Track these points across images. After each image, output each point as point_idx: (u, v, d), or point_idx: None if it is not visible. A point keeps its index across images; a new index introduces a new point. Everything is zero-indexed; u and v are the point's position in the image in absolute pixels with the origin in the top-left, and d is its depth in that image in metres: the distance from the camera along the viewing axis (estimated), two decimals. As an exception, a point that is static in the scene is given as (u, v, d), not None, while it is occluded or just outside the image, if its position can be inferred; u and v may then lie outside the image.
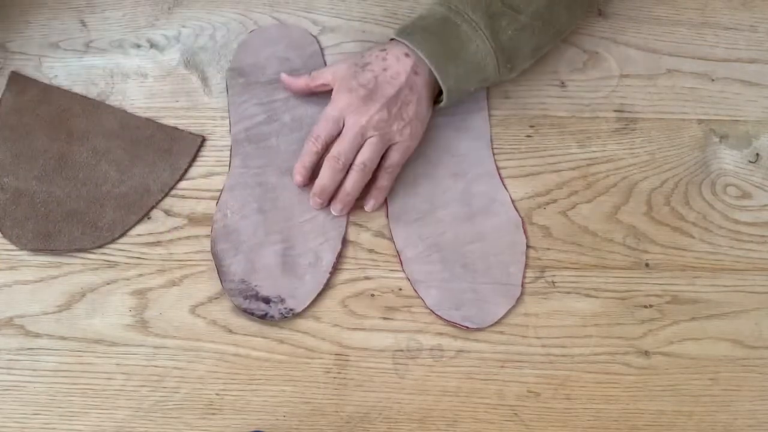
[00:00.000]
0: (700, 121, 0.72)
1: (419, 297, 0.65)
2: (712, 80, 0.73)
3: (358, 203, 0.67)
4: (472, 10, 0.64)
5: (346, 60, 0.67)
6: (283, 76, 0.69)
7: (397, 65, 0.65)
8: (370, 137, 0.64)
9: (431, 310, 0.65)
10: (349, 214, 0.68)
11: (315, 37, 0.73)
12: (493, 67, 0.65)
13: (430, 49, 0.64)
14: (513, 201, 0.68)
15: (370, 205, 0.67)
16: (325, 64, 0.72)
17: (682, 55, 0.74)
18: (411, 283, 0.65)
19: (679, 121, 0.72)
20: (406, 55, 0.65)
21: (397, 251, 0.66)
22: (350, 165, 0.65)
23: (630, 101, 0.72)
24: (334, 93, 0.66)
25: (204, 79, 0.72)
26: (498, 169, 0.69)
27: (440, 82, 0.65)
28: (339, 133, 0.65)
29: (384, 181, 0.66)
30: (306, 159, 0.66)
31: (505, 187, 0.68)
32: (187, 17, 0.74)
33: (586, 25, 0.75)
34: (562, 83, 0.73)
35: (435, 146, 0.69)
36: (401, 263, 0.66)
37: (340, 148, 0.64)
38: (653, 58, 0.74)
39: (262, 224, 0.66)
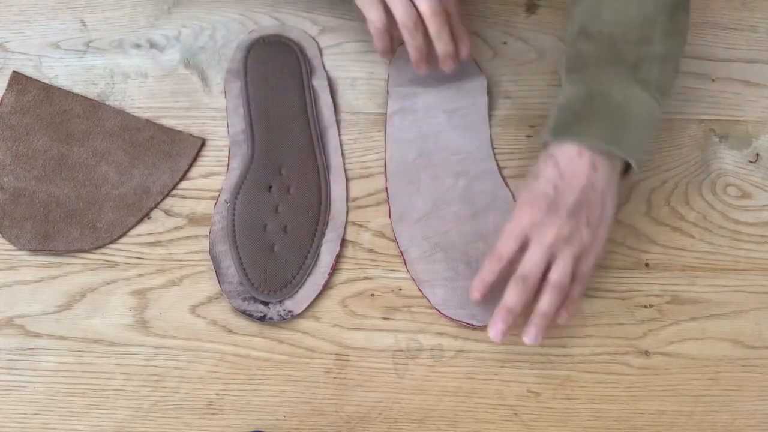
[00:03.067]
0: (700, 121, 0.72)
1: (424, 296, 0.65)
2: (712, 80, 0.73)
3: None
4: (613, 72, 0.61)
5: (538, 203, 0.60)
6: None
7: (572, 167, 0.60)
8: (560, 253, 0.59)
9: (437, 309, 0.64)
10: (348, 214, 0.68)
11: (314, 38, 0.73)
12: (657, 109, 0.62)
13: (601, 134, 0.60)
14: (515, 198, 0.68)
15: (564, 317, 0.61)
16: (324, 66, 0.72)
17: (682, 55, 0.74)
18: (416, 283, 0.65)
19: (679, 121, 0.72)
20: (579, 153, 0.60)
21: (401, 251, 0.66)
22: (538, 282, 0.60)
23: (630, 101, 0.72)
24: (515, 210, 0.61)
25: (204, 79, 0.72)
26: (499, 167, 0.69)
27: (629, 160, 0.60)
28: (521, 249, 0.60)
29: (576, 291, 0.61)
30: (487, 276, 0.60)
31: (507, 185, 0.68)
32: (187, 17, 0.74)
33: (586, 25, 0.75)
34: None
35: (436, 146, 0.69)
36: (405, 263, 0.66)
37: (527, 268, 0.59)
38: (653, 58, 0.74)
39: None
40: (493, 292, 0.61)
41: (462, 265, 0.66)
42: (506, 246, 0.60)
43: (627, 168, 0.63)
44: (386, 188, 0.68)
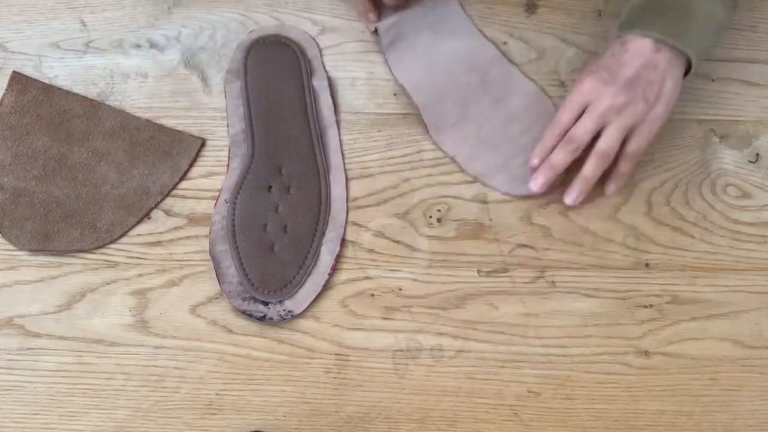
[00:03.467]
0: (700, 121, 0.72)
1: (490, 187, 0.69)
2: (712, 80, 0.73)
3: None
4: None
5: (600, 75, 0.65)
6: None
7: (636, 46, 0.63)
8: (611, 122, 0.63)
9: (507, 193, 0.68)
10: (348, 214, 0.68)
11: (314, 39, 0.73)
12: (721, 10, 0.64)
13: (663, 28, 0.63)
14: (524, 75, 0.72)
15: (611, 189, 0.66)
16: (324, 67, 0.72)
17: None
18: (478, 179, 0.69)
19: (679, 121, 0.72)
20: (642, 38, 0.63)
21: (451, 158, 0.69)
22: (584, 148, 0.64)
23: (630, 101, 0.72)
24: (577, 79, 0.66)
25: (204, 79, 0.72)
26: (499, 49, 0.72)
27: (687, 53, 0.63)
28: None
29: (626, 167, 0.65)
30: (548, 143, 0.65)
31: (511, 62, 0.72)
32: (187, 17, 0.74)
33: (585, 25, 0.75)
34: (562, 83, 0.73)
35: (437, 56, 0.72)
36: (459, 166, 0.69)
37: (577, 131, 0.64)
38: (653, 58, 0.74)
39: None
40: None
41: (507, 146, 0.69)
42: (566, 114, 0.64)
43: (687, 71, 0.65)
44: (417, 107, 0.70)
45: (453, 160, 0.69)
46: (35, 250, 0.66)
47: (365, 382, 0.63)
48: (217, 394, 0.63)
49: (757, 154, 0.71)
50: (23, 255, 0.66)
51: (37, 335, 0.64)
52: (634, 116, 0.63)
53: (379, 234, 0.67)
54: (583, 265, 0.67)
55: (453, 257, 0.67)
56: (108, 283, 0.65)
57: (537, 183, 0.65)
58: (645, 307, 0.66)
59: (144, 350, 0.63)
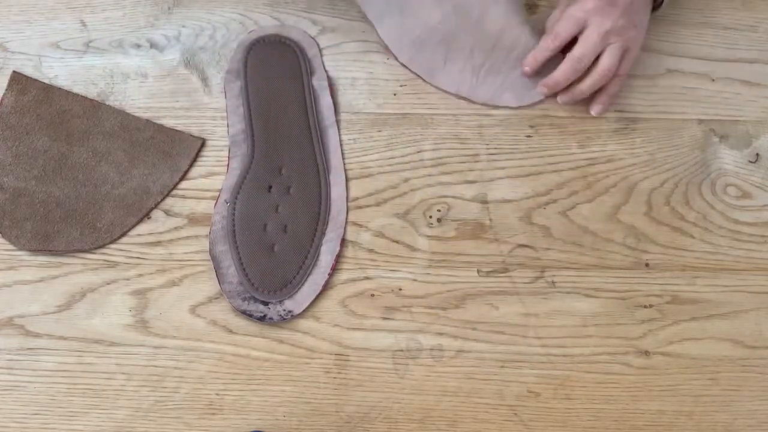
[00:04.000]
0: (700, 121, 0.72)
1: (503, 107, 0.71)
2: (712, 80, 0.73)
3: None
4: None
5: None
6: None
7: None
8: (612, 43, 0.66)
9: (519, 106, 0.70)
10: (348, 214, 0.68)
11: (314, 39, 0.73)
12: None
13: None
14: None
15: (598, 109, 0.69)
16: (324, 66, 0.72)
17: (682, 55, 0.74)
18: (489, 103, 0.71)
19: (679, 121, 0.72)
20: None
21: (455, 94, 0.71)
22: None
23: (630, 101, 0.72)
24: None
25: (204, 79, 0.72)
26: None
27: None
28: (578, 33, 0.67)
29: (615, 87, 0.69)
30: (540, 54, 0.68)
31: None
32: (187, 17, 0.74)
33: (586, 25, 0.75)
34: (562, 83, 0.73)
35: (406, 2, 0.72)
36: (467, 98, 0.71)
37: (583, 50, 0.66)
38: (653, 58, 0.74)
39: None
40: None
41: (501, 63, 0.71)
42: (565, 27, 0.67)
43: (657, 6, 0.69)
44: (405, 64, 0.72)
45: (458, 96, 0.71)
46: (35, 250, 0.66)
47: (365, 382, 0.63)
48: (217, 394, 0.63)
49: (757, 154, 0.71)
50: (23, 255, 0.66)
51: (37, 335, 0.64)
52: (629, 39, 0.67)
53: (379, 234, 0.67)
54: (583, 265, 0.67)
55: (453, 257, 0.67)
56: (108, 283, 0.65)
57: (542, 93, 0.69)
58: (645, 307, 0.66)
59: (144, 350, 0.63)
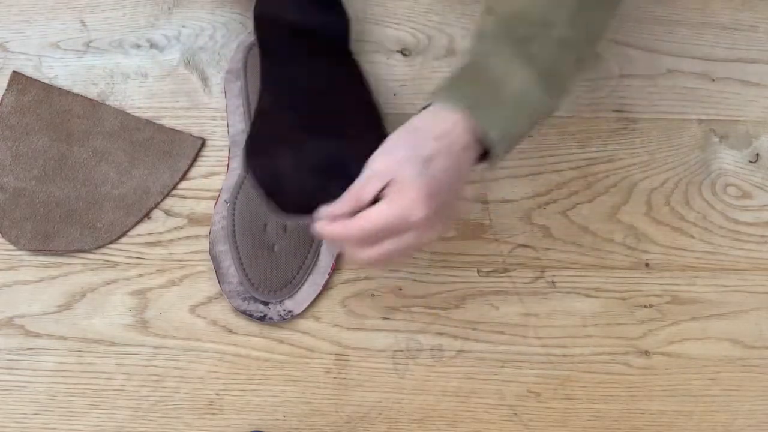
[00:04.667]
0: (700, 121, 0.72)
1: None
2: (712, 80, 0.73)
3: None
4: (500, 44, 0.56)
5: (397, 147, 0.56)
6: (324, 211, 0.56)
7: (459, 155, 0.54)
8: (409, 228, 0.54)
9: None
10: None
11: None
12: (540, 97, 0.55)
13: (468, 100, 0.55)
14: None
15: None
16: None
17: (682, 55, 0.74)
18: None
19: (679, 121, 0.72)
20: (454, 124, 0.54)
21: None
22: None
23: (630, 101, 0.72)
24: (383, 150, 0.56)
25: (204, 79, 0.72)
26: None
27: (485, 132, 0.54)
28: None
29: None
30: (338, 209, 0.56)
31: None
32: (187, 17, 0.74)
33: (586, 25, 0.75)
34: (562, 83, 0.73)
35: None
36: None
37: (373, 225, 0.54)
38: (653, 58, 0.74)
39: None
40: None
41: None
42: (367, 191, 0.54)
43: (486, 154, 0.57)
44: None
45: None
46: (35, 250, 0.66)
47: (365, 382, 0.63)
48: (217, 394, 0.63)
49: (757, 154, 0.71)
50: (23, 255, 0.66)
51: (37, 335, 0.64)
52: (429, 231, 0.54)
53: (379, 234, 0.67)
54: (583, 265, 0.67)
55: (453, 257, 0.67)
56: (108, 283, 0.65)
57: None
58: (645, 307, 0.66)
59: (144, 350, 0.63)
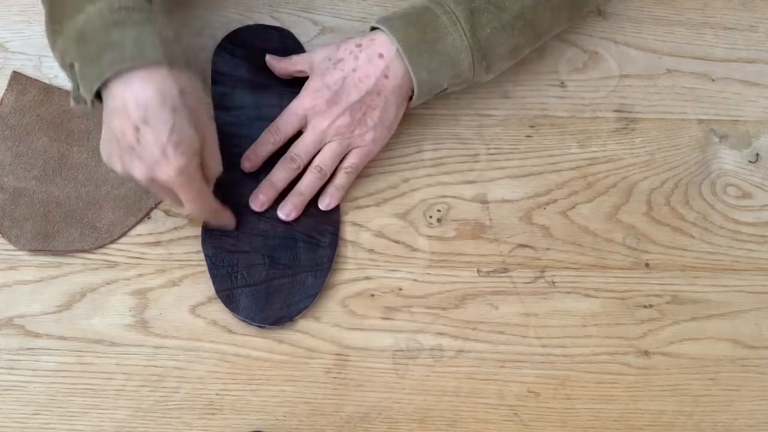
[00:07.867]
0: (700, 121, 0.72)
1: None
2: (712, 80, 0.73)
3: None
4: (455, 2, 0.63)
5: (325, 48, 0.66)
6: (268, 57, 0.69)
7: (368, 66, 0.63)
8: (330, 141, 0.64)
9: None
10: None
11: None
12: (468, 65, 0.64)
13: (405, 37, 0.62)
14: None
15: (325, 203, 0.66)
16: None
17: (682, 55, 0.74)
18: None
19: (679, 121, 0.72)
20: (380, 56, 0.63)
21: None
22: (305, 167, 0.65)
23: (630, 101, 0.72)
24: (303, 88, 0.65)
25: (204, 79, 0.72)
26: None
27: (411, 73, 0.63)
28: (299, 130, 0.65)
29: (342, 180, 0.66)
30: (260, 148, 0.65)
31: None
32: (187, 17, 0.74)
33: (586, 25, 0.75)
34: (562, 83, 0.73)
35: None
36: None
37: (298, 149, 0.65)
38: (653, 58, 0.74)
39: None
40: None
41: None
42: (284, 122, 0.65)
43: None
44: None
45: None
46: (35, 250, 0.65)
47: (365, 382, 0.63)
48: (217, 394, 0.63)
49: (757, 154, 0.71)
50: (23, 255, 0.66)
51: (37, 335, 0.64)
52: (352, 137, 0.64)
53: (379, 234, 0.67)
54: (583, 265, 0.67)
55: (453, 257, 0.67)
56: (108, 283, 0.65)
57: (257, 202, 0.65)
58: (645, 307, 0.66)
59: (144, 350, 0.63)
